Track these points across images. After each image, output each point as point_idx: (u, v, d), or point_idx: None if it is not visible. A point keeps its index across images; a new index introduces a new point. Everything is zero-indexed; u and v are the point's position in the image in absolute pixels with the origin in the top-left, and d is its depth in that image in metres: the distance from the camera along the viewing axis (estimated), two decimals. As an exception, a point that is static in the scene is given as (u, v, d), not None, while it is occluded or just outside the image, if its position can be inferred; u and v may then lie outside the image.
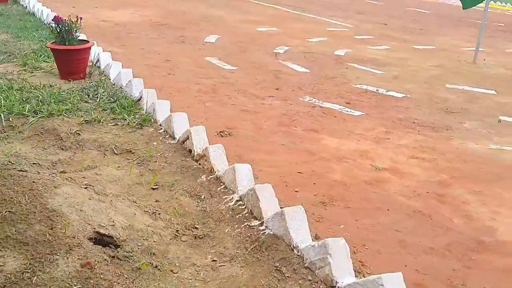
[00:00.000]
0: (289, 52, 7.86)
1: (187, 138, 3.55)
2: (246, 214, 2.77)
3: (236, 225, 2.69)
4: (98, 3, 10.67)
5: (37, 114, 3.92)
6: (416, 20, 14.30)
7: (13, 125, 3.73)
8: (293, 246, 2.44)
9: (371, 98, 5.73)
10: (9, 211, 2.50)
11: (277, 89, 5.71)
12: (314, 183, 3.47)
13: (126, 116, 4.04)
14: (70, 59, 4.91)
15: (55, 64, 5.05)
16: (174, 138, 3.71)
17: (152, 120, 4.01)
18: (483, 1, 8.58)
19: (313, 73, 6.67)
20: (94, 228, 2.52)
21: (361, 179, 3.61)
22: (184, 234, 2.64)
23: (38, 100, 4.16)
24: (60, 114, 3.96)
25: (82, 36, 5.31)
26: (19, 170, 2.97)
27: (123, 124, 3.93)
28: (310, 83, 6.10)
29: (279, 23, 10.73)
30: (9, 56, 5.49)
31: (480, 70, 8.03)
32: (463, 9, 9.22)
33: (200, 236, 2.62)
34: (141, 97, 4.34)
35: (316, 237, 2.64)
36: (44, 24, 6.95)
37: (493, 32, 12.64)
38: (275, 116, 4.79)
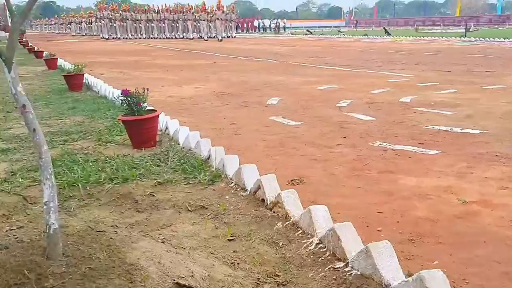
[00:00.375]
0: (353, 104, 7.77)
1: (259, 187, 3.47)
2: (329, 256, 2.60)
3: (320, 269, 2.53)
4: (165, 83, 11.22)
5: (112, 181, 4.01)
6: (480, 64, 13.94)
7: (91, 193, 3.82)
8: (384, 284, 2.24)
9: (446, 137, 5.47)
10: (88, 268, 2.48)
11: (344, 137, 5.59)
12: (398, 222, 3.24)
13: (197, 174, 4.06)
14: (141, 128, 5.08)
15: (127, 136, 5.24)
16: (245, 190, 3.65)
17: (223, 176, 3.99)
18: None
19: (380, 120, 6.51)
20: (174, 280, 2.44)
21: (449, 213, 3.35)
22: (266, 282, 2.50)
23: (112, 168, 4.28)
24: (134, 179, 4.03)
25: (150, 107, 5.51)
26: (97, 231, 2.99)
27: (195, 182, 3.93)
28: (378, 129, 5.93)
29: (339, 81, 10.77)
30: (84, 134, 5.77)
31: (561, 101, 7.58)
32: None
33: (283, 283, 2.47)
34: (209, 156, 4.37)
35: (408, 275, 2.41)
36: (115, 103, 7.33)
37: None
38: (346, 162, 4.64)
